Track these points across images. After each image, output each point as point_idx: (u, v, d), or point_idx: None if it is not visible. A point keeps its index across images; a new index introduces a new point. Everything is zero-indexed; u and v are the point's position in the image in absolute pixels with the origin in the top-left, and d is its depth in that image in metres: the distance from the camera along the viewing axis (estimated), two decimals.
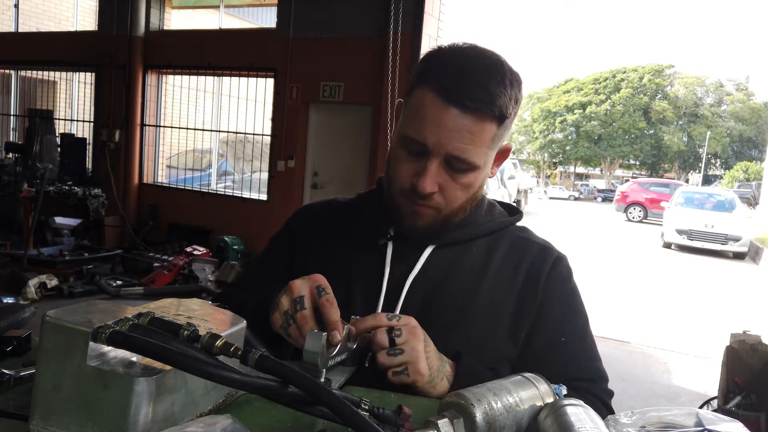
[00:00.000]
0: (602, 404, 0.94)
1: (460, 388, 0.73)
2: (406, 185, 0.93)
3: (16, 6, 10.27)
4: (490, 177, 0.99)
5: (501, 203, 1.12)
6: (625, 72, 43.28)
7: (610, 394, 0.98)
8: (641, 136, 42.61)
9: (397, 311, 0.95)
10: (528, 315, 0.98)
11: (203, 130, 8.01)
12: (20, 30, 10.03)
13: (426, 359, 0.83)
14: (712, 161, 44.40)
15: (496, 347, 0.96)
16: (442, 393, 0.84)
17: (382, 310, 0.95)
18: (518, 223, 1.09)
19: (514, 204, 1.14)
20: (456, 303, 0.97)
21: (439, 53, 0.93)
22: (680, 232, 13.51)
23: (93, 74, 8.15)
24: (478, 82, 0.86)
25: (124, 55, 7.57)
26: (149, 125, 7.92)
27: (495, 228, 1.04)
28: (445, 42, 0.98)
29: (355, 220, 1.07)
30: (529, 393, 0.68)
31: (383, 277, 0.98)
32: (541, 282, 1.00)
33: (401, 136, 0.93)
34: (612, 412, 0.94)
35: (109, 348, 0.58)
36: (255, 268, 1.16)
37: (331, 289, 0.82)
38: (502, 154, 0.98)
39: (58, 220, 6.36)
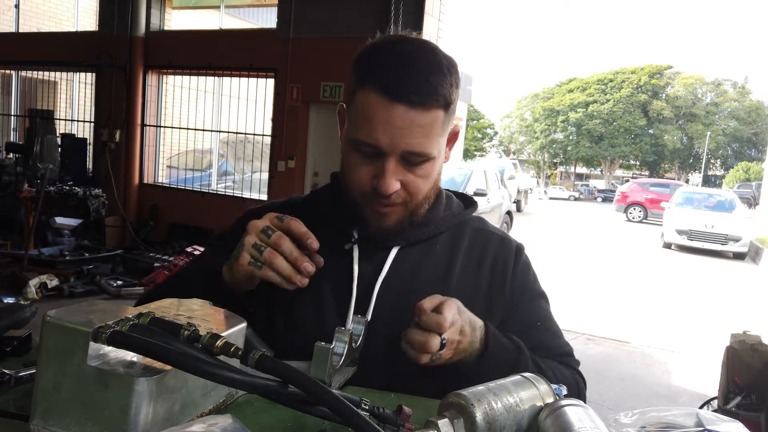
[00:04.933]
0: (580, 376, 1.04)
1: (491, 350, 0.87)
2: (366, 188, 0.93)
3: (17, 6, 10.28)
4: (446, 161, 1.00)
5: (456, 193, 1.13)
6: (625, 73, 43.30)
7: (579, 363, 1.07)
8: (641, 135, 42.63)
9: (369, 313, 0.95)
10: (499, 306, 1.02)
11: (204, 130, 8.01)
12: (21, 30, 10.04)
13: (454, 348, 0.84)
14: (712, 161, 44.41)
15: None
16: (476, 353, 0.88)
17: (354, 313, 0.95)
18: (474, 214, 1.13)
19: (471, 196, 1.16)
20: None
21: (373, 51, 0.92)
22: (680, 232, 13.50)
23: (93, 74, 8.15)
24: (419, 75, 0.87)
25: (125, 55, 7.58)
26: (150, 125, 7.92)
27: (455, 222, 1.06)
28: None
29: (315, 222, 1.03)
30: (529, 393, 0.68)
31: (352, 281, 0.98)
32: (508, 274, 1.04)
33: (352, 140, 0.92)
34: (585, 382, 1.04)
35: (110, 348, 0.58)
36: (194, 264, 1.13)
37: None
38: (452, 138, 0.99)
39: (59, 220, 6.36)
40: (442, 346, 0.81)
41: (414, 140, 0.88)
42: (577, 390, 1.01)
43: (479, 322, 0.90)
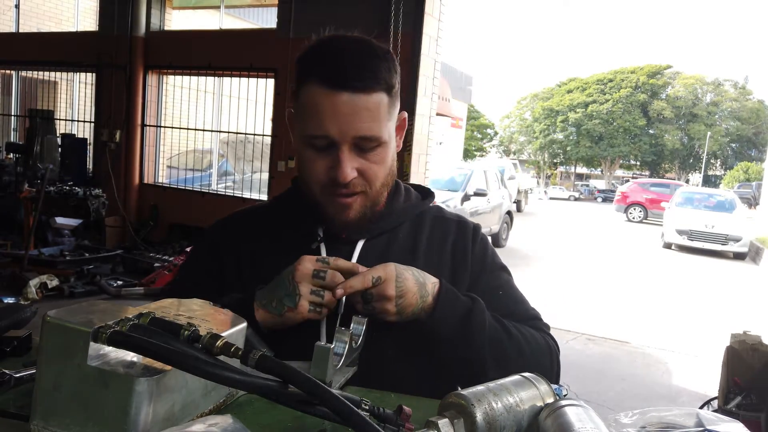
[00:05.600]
0: (552, 339, 1.06)
1: (441, 303, 0.91)
2: (325, 180, 0.95)
3: (17, 6, 10.28)
4: (398, 149, 1.03)
5: (413, 185, 1.17)
6: (624, 73, 43.30)
7: (549, 327, 1.10)
8: (641, 135, 42.64)
9: (342, 307, 0.97)
10: (463, 282, 1.06)
11: (204, 130, 8.01)
12: (21, 30, 10.04)
13: (398, 283, 0.90)
14: (712, 161, 44.43)
15: None
16: (428, 309, 0.92)
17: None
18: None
19: (428, 187, 1.20)
20: None
21: (307, 51, 0.95)
22: (680, 232, 13.50)
23: (94, 74, 8.15)
24: (357, 62, 0.91)
25: (125, 55, 7.57)
26: (150, 125, 7.92)
27: (416, 213, 1.10)
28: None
29: (280, 226, 1.08)
30: (529, 393, 0.68)
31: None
32: (468, 255, 1.08)
33: (304, 137, 0.95)
34: (557, 344, 1.06)
35: (110, 348, 0.58)
36: (180, 285, 1.13)
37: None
38: (401, 125, 1.02)
39: (59, 220, 6.36)
40: (375, 283, 0.87)
41: (363, 125, 0.91)
42: (548, 349, 1.03)
43: (431, 279, 0.94)
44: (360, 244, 1.03)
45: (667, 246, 13.93)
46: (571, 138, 44.67)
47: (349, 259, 1.01)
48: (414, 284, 0.91)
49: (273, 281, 0.92)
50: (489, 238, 1.19)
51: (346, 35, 0.97)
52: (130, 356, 0.59)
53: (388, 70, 0.93)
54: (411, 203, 1.11)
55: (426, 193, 1.16)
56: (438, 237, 1.09)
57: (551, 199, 34.56)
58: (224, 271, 1.05)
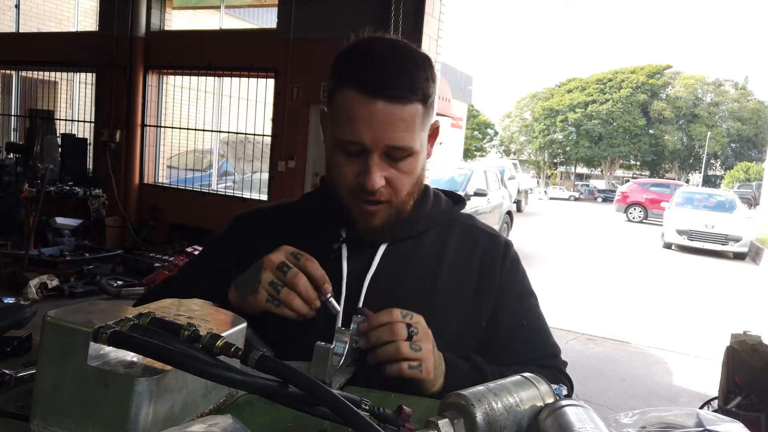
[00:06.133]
0: (566, 378, 1.03)
1: (450, 384, 0.79)
2: (353, 186, 0.94)
3: (17, 6, 10.28)
4: (428, 158, 1.01)
5: (444, 191, 1.14)
6: (624, 73, 43.30)
7: (566, 364, 1.06)
8: (641, 135, 42.63)
9: (341, 307, 0.95)
10: (487, 302, 1.02)
11: (204, 130, 8.01)
12: (21, 30, 10.04)
13: (434, 359, 0.85)
14: (712, 161, 44.43)
15: (459, 336, 1.00)
16: (439, 390, 0.86)
17: (344, 310, 0.96)
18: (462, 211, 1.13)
19: (459, 194, 1.17)
20: (416, 296, 0.99)
21: (346, 53, 0.94)
22: (680, 232, 13.50)
23: (94, 75, 8.15)
24: (395, 70, 0.89)
25: (125, 55, 7.58)
26: (150, 125, 7.92)
27: (444, 219, 1.07)
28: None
29: (304, 224, 1.07)
30: (529, 393, 0.68)
31: (341, 279, 0.99)
32: (496, 270, 1.04)
33: (336, 140, 0.94)
34: (571, 383, 1.02)
35: (110, 348, 0.58)
36: (191, 269, 1.14)
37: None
38: (434, 133, 1.00)
39: (59, 220, 6.36)
40: (410, 335, 0.81)
41: (396, 134, 0.90)
42: None
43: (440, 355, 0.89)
44: (383, 248, 1.01)
45: (667, 246, 13.93)
46: (571, 138, 44.66)
47: (370, 263, 1.00)
48: (437, 354, 0.87)
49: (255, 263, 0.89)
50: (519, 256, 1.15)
51: (386, 38, 0.95)
52: (130, 356, 0.59)
53: (426, 79, 0.91)
54: (439, 209, 1.08)
55: (457, 200, 1.13)
56: (466, 248, 1.06)
57: (551, 199, 34.56)
58: (241, 263, 1.02)
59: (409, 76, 0.89)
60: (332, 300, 0.85)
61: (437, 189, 1.12)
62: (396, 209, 0.98)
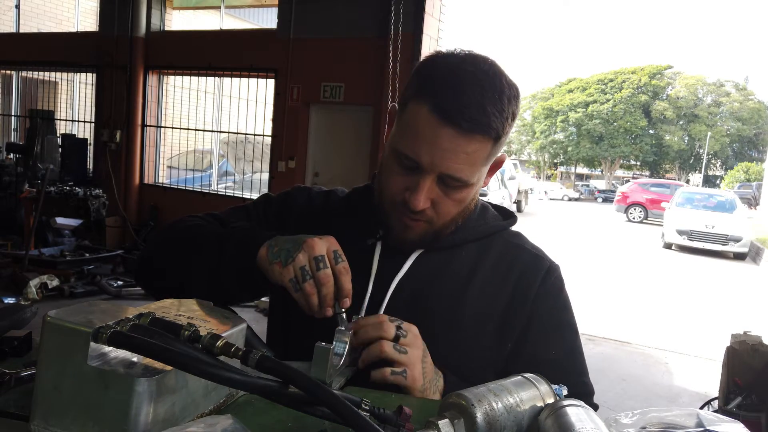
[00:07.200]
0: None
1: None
2: (398, 198, 0.92)
3: (17, 7, 10.28)
4: (484, 186, 0.98)
5: (495, 206, 1.10)
6: (625, 73, 43.30)
7: (596, 408, 0.94)
8: (642, 135, 42.61)
9: (382, 310, 0.94)
10: (515, 325, 0.97)
11: (204, 130, 8.02)
12: (21, 31, 10.05)
13: (422, 368, 0.83)
14: (712, 162, 44.43)
15: (481, 354, 0.96)
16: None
17: (367, 308, 0.94)
18: (513, 228, 1.08)
19: (510, 209, 1.12)
20: (442, 306, 0.96)
21: (434, 65, 0.90)
22: (681, 232, 13.50)
23: (94, 75, 8.16)
24: (475, 102, 0.84)
25: (125, 55, 7.58)
26: (150, 126, 7.92)
27: (486, 232, 1.02)
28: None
29: (347, 216, 1.05)
30: (529, 393, 0.68)
31: (370, 276, 0.97)
32: (531, 294, 0.98)
33: (395, 150, 0.91)
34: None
35: (110, 348, 0.58)
36: (234, 211, 1.12)
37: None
38: (496, 165, 0.96)
39: (59, 220, 6.36)
40: (398, 336, 0.80)
41: (456, 165, 0.86)
42: None
43: (440, 372, 0.88)
44: (417, 253, 0.98)
45: (668, 246, 13.93)
46: (571, 138, 44.61)
47: (401, 266, 0.97)
48: (431, 366, 0.86)
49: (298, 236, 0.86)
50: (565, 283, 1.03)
51: (480, 61, 0.88)
52: (131, 356, 0.59)
53: (506, 117, 0.87)
54: (484, 222, 1.03)
55: (506, 215, 1.08)
56: (504, 265, 1.00)
57: (551, 199, 34.54)
58: (283, 231, 0.97)
59: (488, 113, 0.84)
60: (344, 316, 0.83)
61: (487, 202, 1.09)
62: (435, 230, 0.95)
